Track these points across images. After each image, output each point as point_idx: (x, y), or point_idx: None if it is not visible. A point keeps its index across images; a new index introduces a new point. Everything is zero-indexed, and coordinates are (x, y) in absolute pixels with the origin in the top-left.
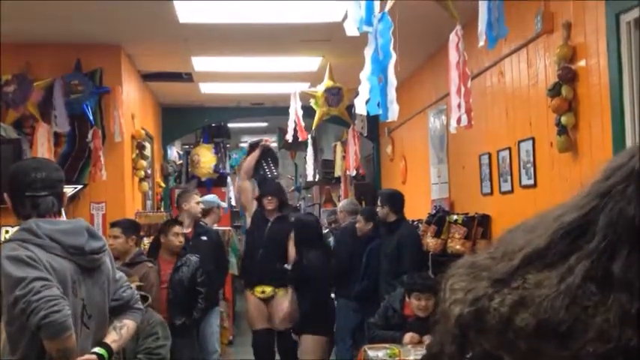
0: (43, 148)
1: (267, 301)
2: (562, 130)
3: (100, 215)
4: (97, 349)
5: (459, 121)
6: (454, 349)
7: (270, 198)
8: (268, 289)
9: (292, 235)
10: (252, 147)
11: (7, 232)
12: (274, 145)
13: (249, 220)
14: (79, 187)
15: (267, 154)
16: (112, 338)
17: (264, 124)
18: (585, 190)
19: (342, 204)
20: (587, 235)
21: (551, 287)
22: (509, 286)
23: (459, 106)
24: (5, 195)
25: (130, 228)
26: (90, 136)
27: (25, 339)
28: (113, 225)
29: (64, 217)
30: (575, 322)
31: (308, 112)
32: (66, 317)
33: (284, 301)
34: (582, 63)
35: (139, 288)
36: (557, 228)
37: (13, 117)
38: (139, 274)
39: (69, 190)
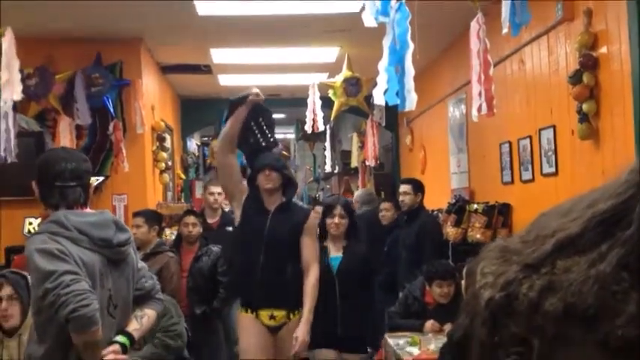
0: (65, 140)
1: (275, 330)
2: (583, 117)
3: (121, 207)
4: (119, 338)
5: (479, 109)
6: (484, 332)
7: (268, 173)
8: (280, 314)
9: (307, 227)
10: (236, 104)
11: (30, 223)
12: (291, 136)
13: (237, 213)
14: (101, 178)
15: (258, 112)
16: (134, 327)
17: (282, 116)
18: (622, 177)
19: (356, 194)
20: (623, 223)
21: (580, 272)
22: (538, 272)
23: (480, 94)
24: (33, 184)
25: (153, 218)
26: (111, 128)
27: (54, 329)
28: (136, 215)
29: (89, 209)
30: (603, 307)
31: (326, 102)
32: (94, 311)
33: (297, 328)
34: (604, 50)
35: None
36: (591, 215)
37: (36, 110)
38: (160, 264)
39: (93, 181)
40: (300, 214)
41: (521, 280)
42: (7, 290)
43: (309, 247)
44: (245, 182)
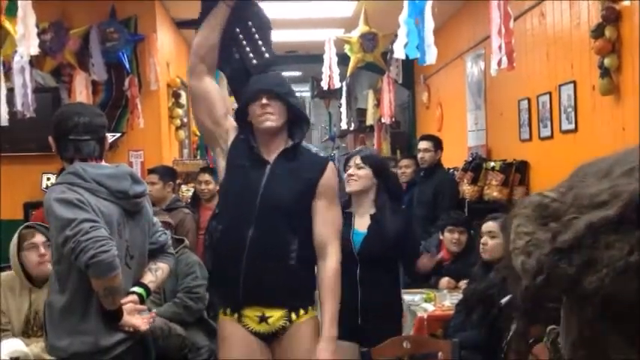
0: (81, 96)
1: (269, 339)
2: (605, 72)
3: (138, 163)
4: (136, 289)
5: (499, 63)
6: (523, 296)
7: (265, 102)
8: (275, 315)
9: (322, 186)
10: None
11: (48, 179)
12: (307, 94)
13: (221, 164)
14: (118, 135)
15: (244, 13)
16: (149, 279)
17: (298, 74)
18: None
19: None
20: None
21: (621, 255)
22: (578, 248)
23: (500, 47)
24: (50, 138)
25: (167, 174)
26: (126, 84)
27: (74, 278)
28: (150, 172)
29: (104, 162)
30: None
31: (342, 60)
32: (113, 257)
33: (319, 347)
34: (627, 2)
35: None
36: (628, 200)
37: (51, 65)
38: (175, 221)
39: (109, 136)
40: (313, 165)
41: (558, 260)
42: (41, 237)
43: (324, 217)
44: (232, 119)
